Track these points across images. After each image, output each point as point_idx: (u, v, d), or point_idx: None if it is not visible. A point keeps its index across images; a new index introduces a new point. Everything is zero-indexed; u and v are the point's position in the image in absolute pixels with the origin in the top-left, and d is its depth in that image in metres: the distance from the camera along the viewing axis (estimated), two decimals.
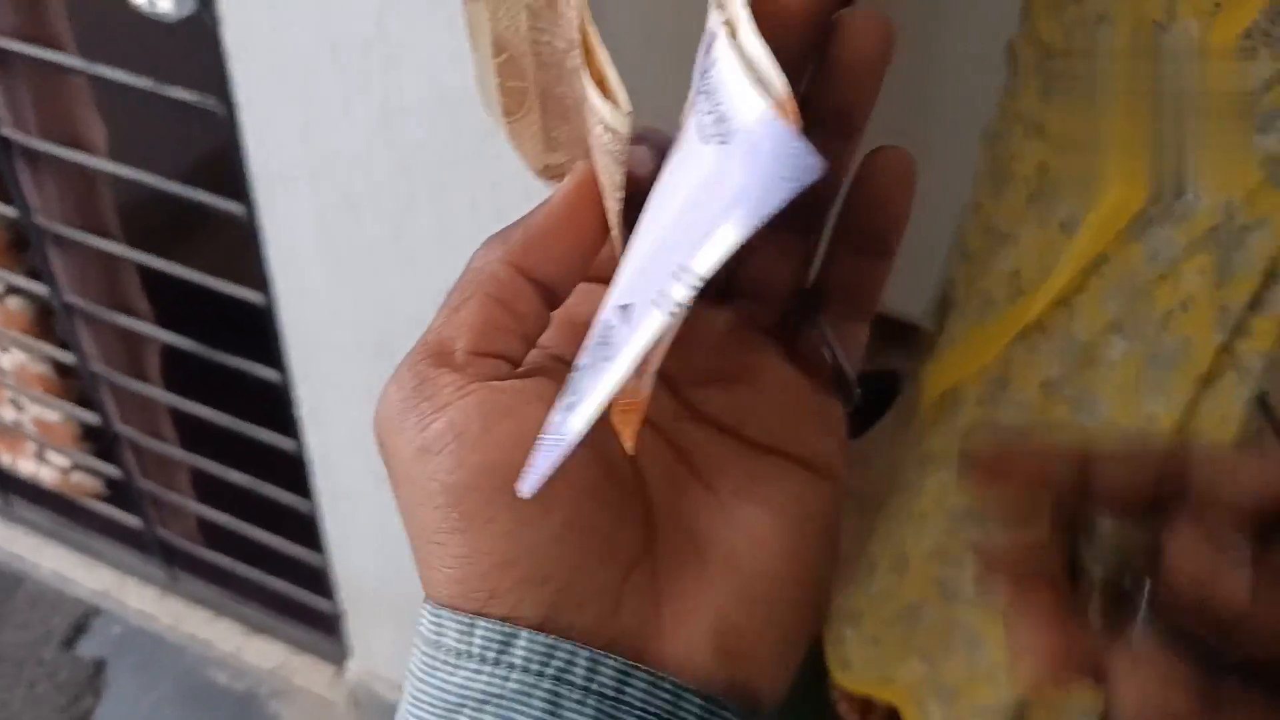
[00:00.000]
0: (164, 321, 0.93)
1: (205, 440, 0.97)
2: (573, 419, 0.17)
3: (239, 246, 0.71)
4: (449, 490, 0.19)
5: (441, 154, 0.57)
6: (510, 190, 0.57)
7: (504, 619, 0.19)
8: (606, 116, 0.18)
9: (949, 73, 1.20)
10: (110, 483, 1.15)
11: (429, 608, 0.20)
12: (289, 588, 1.06)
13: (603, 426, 0.18)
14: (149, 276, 0.92)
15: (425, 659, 0.19)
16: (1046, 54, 0.66)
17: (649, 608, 0.20)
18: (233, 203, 0.69)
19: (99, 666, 1.15)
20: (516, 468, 0.18)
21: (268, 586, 1.07)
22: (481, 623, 0.19)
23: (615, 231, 0.20)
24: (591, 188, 0.20)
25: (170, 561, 1.15)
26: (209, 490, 1.05)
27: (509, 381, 0.20)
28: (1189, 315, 0.70)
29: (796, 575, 0.21)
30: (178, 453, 1.01)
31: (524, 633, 0.19)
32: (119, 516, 1.13)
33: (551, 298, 0.21)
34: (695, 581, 0.20)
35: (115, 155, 0.78)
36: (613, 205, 0.20)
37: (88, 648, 1.18)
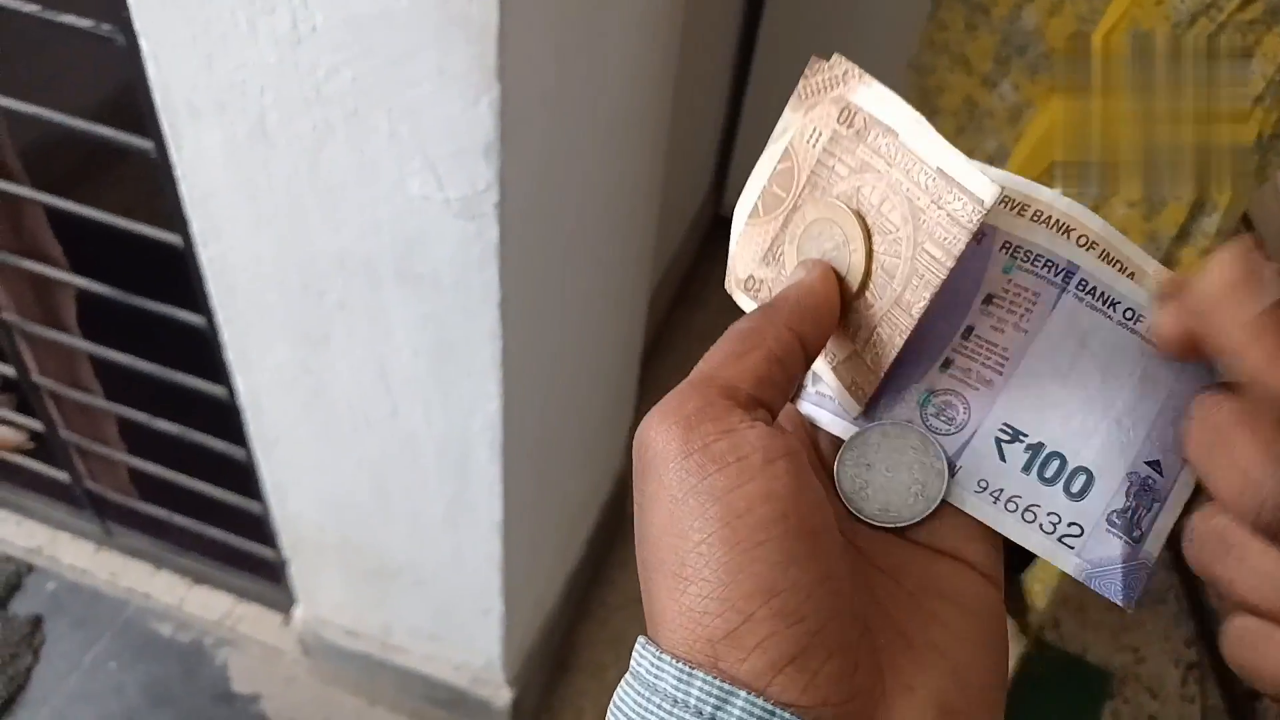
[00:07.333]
0: (79, 268, 0.89)
1: (132, 390, 0.94)
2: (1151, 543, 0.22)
3: (153, 186, 0.68)
4: (724, 507, 0.20)
5: (356, 80, 0.55)
6: (431, 118, 0.55)
7: (752, 651, 0.19)
8: (982, 189, 0.20)
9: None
10: (35, 436, 1.12)
11: (650, 650, 0.20)
12: (229, 537, 1.04)
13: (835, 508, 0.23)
14: (60, 222, 0.88)
15: (638, 697, 0.20)
16: None
17: (876, 675, 0.21)
18: (140, 138, 0.65)
19: (35, 624, 1.13)
20: (791, 503, 0.20)
21: (207, 536, 1.05)
22: (699, 675, 0.19)
23: (921, 304, 0.23)
24: (834, 277, 0.24)
25: (103, 515, 1.12)
26: (140, 441, 1.02)
27: (780, 429, 0.22)
28: None
29: (996, 665, 0.23)
30: (101, 403, 0.98)
31: (741, 694, 0.19)
32: (46, 471, 1.09)
33: (808, 364, 0.24)
34: (912, 663, 0.21)
35: (14, 94, 0.74)
36: (935, 275, 0.22)
37: (22, 606, 1.15)
